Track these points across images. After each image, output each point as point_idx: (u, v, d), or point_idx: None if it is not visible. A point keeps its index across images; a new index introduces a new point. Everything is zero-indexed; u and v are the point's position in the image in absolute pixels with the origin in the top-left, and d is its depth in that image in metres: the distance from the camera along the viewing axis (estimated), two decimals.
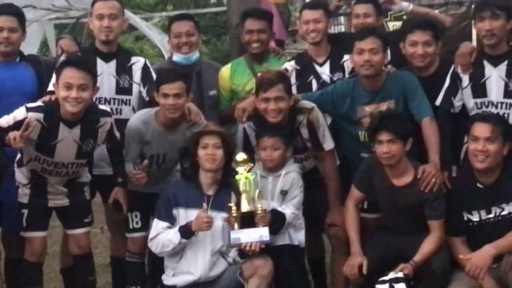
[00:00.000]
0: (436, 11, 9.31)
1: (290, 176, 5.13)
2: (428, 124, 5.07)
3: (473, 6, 8.22)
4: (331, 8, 6.01)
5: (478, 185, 4.92)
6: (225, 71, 5.92)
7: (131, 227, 5.38)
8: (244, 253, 4.93)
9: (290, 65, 5.51)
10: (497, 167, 4.87)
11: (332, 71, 5.60)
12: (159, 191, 5.19)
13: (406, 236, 5.03)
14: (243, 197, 4.94)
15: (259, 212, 4.90)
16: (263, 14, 6.01)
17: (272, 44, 6.16)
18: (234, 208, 4.90)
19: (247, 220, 4.93)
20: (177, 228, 4.96)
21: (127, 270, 5.46)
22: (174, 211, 5.03)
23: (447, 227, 4.95)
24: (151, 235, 5.05)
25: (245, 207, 4.93)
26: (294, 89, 5.39)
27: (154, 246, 5.03)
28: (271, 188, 5.14)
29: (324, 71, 5.61)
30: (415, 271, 4.83)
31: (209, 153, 5.00)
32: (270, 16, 6.05)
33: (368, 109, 5.23)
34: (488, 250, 4.75)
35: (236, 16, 7.10)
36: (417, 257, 4.86)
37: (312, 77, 5.59)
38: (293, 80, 5.47)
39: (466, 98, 5.17)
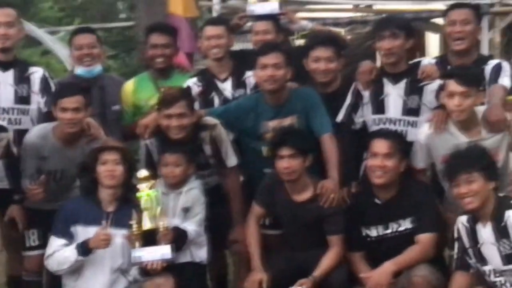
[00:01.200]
0: (342, 30, 9.53)
1: (193, 193, 5.09)
2: (327, 140, 5.10)
3: None
4: (233, 25, 6.02)
5: (376, 201, 4.97)
6: (129, 86, 5.85)
7: (27, 245, 5.23)
8: (145, 271, 4.85)
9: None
10: (395, 183, 4.94)
11: (234, 87, 5.59)
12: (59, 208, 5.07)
13: (307, 251, 5.04)
14: (145, 214, 4.85)
15: (161, 229, 4.83)
16: (167, 29, 5.98)
17: (181, 58, 6.12)
18: (135, 225, 4.81)
19: (149, 238, 4.85)
20: (74, 245, 4.84)
21: None
22: (72, 229, 4.92)
23: (346, 242, 4.97)
24: (47, 252, 4.93)
25: (146, 224, 4.85)
26: (196, 105, 5.36)
27: (51, 264, 4.91)
28: (173, 205, 5.08)
29: (226, 87, 5.60)
30: (314, 285, 4.85)
31: (108, 169, 4.91)
32: (175, 31, 6.01)
33: (271, 124, 5.24)
34: (388, 267, 4.79)
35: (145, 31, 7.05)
36: (317, 272, 4.88)
37: (214, 93, 5.57)
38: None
39: (366, 114, 5.22)
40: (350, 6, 11.30)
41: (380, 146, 4.89)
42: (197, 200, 5.07)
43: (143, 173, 4.94)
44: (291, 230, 5.13)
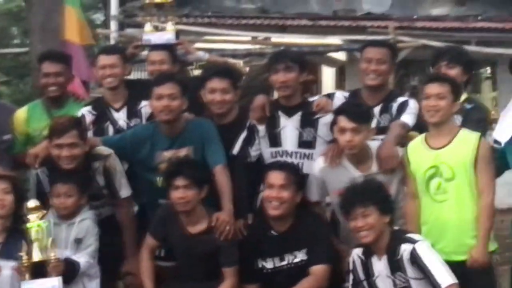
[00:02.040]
0: (240, 62, 9.57)
1: (85, 224, 4.98)
2: (220, 171, 5.09)
3: None
4: (128, 54, 5.97)
5: (272, 232, 4.98)
6: (21, 114, 5.70)
7: None
8: None
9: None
10: (290, 215, 4.96)
11: (129, 117, 5.53)
12: None
13: (201, 283, 5.00)
14: (35, 246, 4.71)
15: (52, 261, 4.69)
16: (60, 57, 5.85)
17: (76, 87, 6.02)
18: (24, 257, 4.66)
19: (39, 270, 4.71)
20: None
21: None
22: None
23: (240, 274, 4.96)
24: None
25: (36, 256, 4.70)
26: (90, 134, 5.28)
27: None
28: (64, 236, 4.95)
29: (121, 116, 5.53)
30: None
31: None
32: (69, 59, 5.90)
33: (166, 154, 5.19)
34: None
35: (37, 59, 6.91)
36: None
37: (108, 122, 5.49)
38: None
39: (262, 147, 5.25)
40: (248, 38, 11.38)
41: (276, 177, 4.92)
42: (90, 231, 4.96)
43: (32, 203, 4.81)
44: (186, 262, 5.08)
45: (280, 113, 5.22)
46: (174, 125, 5.19)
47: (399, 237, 4.55)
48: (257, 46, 11.08)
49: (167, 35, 6.00)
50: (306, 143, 5.18)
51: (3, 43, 16.67)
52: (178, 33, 6.13)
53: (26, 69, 14.31)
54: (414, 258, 4.42)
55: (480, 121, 5.17)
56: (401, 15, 12.64)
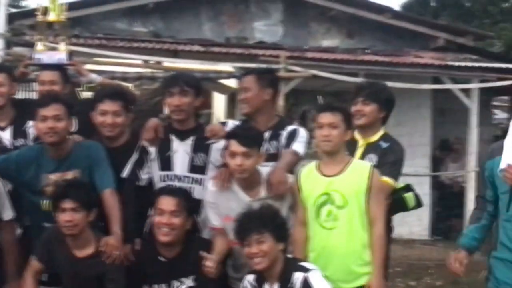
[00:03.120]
0: (130, 85, 9.46)
1: None
2: (108, 195, 5.01)
3: None
4: (17, 73, 5.81)
5: (160, 258, 4.92)
6: None
7: None
8: None
9: None
10: (180, 241, 4.91)
11: (15, 136, 5.40)
12: None
13: None
14: None
15: None
16: None
17: None
18: None
19: None
20: None
21: None
22: None
23: None
24: None
25: None
26: None
27: None
28: None
29: (5, 136, 5.40)
30: None
31: None
32: None
33: (53, 177, 5.07)
34: None
35: None
36: None
37: None
38: None
39: (153, 170, 5.19)
40: (139, 62, 11.29)
41: (167, 203, 4.86)
42: None
43: None
44: (72, 286, 4.96)
45: (173, 137, 5.17)
46: (60, 147, 5.08)
47: (292, 265, 4.56)
48: (149, 70, 11.01)
49: (59, 55, 5.92)
50: (197, 168, 5.14)
51: None
52: (70, 54, 6.03)
53: None
54: (306, 287, 4.45)
55: (395, 163, 5.21)
56: (293, 45, 12.84)
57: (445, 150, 13.09)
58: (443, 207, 12.06)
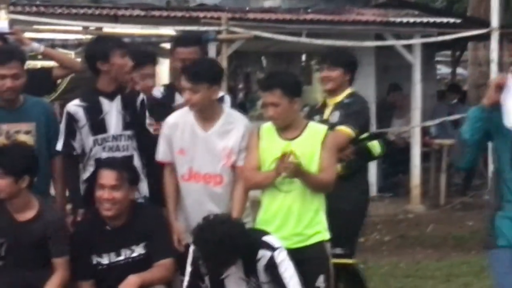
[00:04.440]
0: (72, 52, 9.33)
1: None
2: (56, 162, 5.17)
3: None
4: None
5: (107, 227, 4.88)
6: None
7: None
8: None
9: None
10: (125, 211, 4.88)
11: None
12: None
13: (31, 271, 4.86)
14: None
15: None
16: None
17: None
18: None
19: None
20: None
21: None
22: None
23: (73, 271, 4.86)
24: None
25: None
26: None
27: None
28: None
29: None
30: None
31: None
32: None
33: (4, 127, 5.09)
34: (132, 279, 4.79)
35: None
36: None
37: None
38: None
39: (85, 137, 5.13)
40: (80, 28, 11.13)
41: (107, 177, 4.85)
42: None
43: None
44: (14, 251, 4.90)
45: (101, 99, 5.14)
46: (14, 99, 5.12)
47: (257, 240, 4.57)
48: (89, 36, 10.86)
49: (0, 23, 5.76)
50: (129, 125, 5.17)
51: None
52: (10, 22, 5.90)
53: None
54: (271, 266, 4.50)
55: (355, 113, 5.49)
56: (234, 6, 12.74)
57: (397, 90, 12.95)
58: (389, 164, 12.17)
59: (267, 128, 4.94)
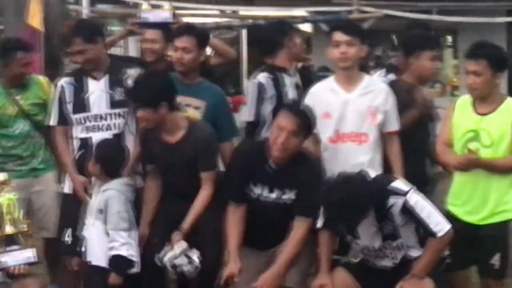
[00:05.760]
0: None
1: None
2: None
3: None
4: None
5: (270, 164, 4.90)
6: None
7: None
8: (12, 275, 4.77)
9: None
10: (290, 157, 4.87)
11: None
12: None
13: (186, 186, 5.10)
14: (7, 219, 4.84)
15: (23, 232, 4.85)
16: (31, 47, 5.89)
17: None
18: None
19: (11, 242, 4.84)
20: None
21: None
22: None
23: (231, 193, 5.02)
24: None
25: (9, 228, 4.84)
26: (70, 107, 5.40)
27: None
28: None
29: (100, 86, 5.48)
30: (186, 237, 4.97)
31: None
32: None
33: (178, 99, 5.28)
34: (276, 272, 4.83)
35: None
36: (185, 224, 4.99)
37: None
38: None
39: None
40: (216, 12, 11.50)
41: (287, 122, 4.82)
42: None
43: (1, 176, 4.95)
44: (166, 172, 5.16)
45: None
46: (189, 76, 5.41)
47: (383, 191, 4.49)
48: (225, 19, 11.21)
49: (164, 13, 6.12)
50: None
51: None
52: (173, 13, 6.20)
53: None
54: (407, 211, 4.45)
55: None
56: None
57: None
58: None
59: (462, 101, 4.93)
